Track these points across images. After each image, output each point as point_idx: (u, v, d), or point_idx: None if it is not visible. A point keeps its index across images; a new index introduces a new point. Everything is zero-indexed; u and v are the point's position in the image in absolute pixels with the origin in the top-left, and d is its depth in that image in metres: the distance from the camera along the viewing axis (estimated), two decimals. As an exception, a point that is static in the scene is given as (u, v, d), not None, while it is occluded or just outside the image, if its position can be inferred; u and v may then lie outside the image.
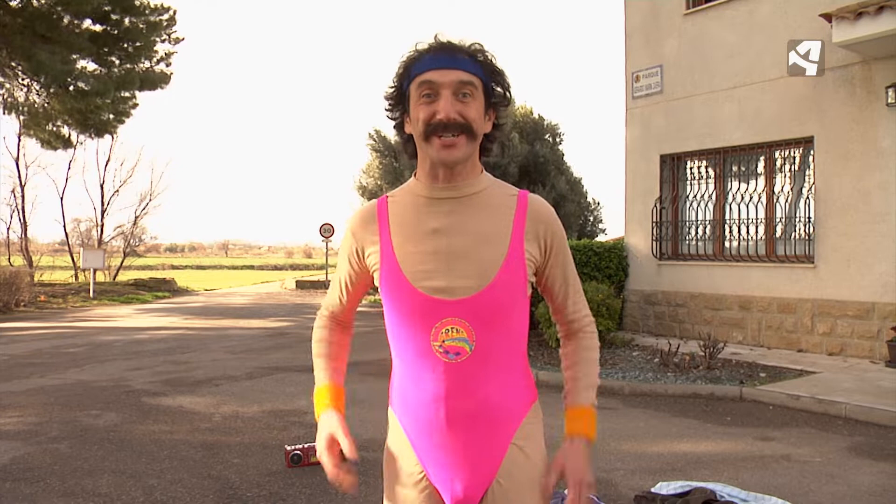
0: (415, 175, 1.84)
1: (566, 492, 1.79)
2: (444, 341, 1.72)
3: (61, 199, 32.02)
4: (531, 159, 18.03)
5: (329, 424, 1.86)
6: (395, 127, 1.84)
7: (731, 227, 11.14)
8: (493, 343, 1.74)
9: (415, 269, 1.73)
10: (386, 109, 1.84)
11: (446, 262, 1.72)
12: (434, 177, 1.77)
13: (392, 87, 1.79)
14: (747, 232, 10.90)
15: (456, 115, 1.67)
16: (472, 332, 1.71)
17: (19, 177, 29.77)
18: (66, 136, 21.62)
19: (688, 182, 11.82)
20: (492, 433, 1.77)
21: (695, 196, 11.65)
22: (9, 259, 28.39)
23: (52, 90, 18.84)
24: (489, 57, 1.76)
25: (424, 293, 1.72)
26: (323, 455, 1.83)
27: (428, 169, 1.77)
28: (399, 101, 1.79)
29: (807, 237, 10.12)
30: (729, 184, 11.23)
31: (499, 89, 1.79)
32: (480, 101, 1.73)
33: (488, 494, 1.79)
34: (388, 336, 1.86)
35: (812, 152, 10.06)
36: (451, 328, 1.71)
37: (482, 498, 1.79)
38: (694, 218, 11.65)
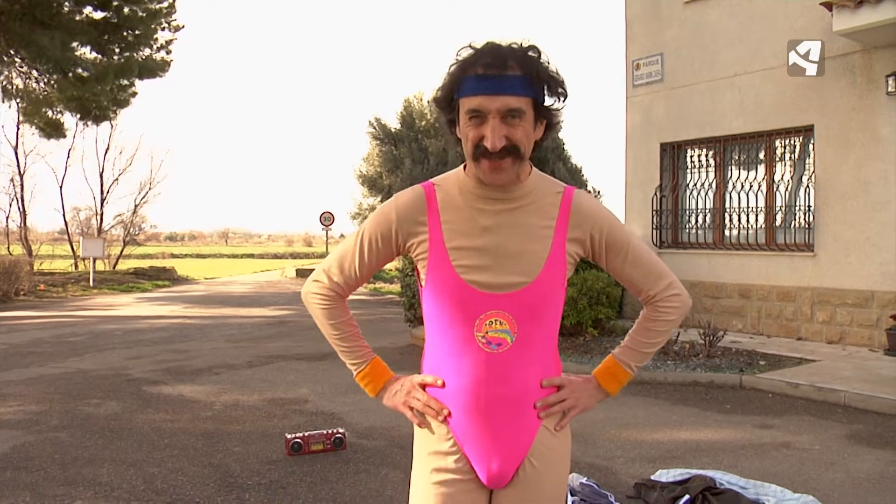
0: (464, 167, 1.87)
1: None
2: (487, 332, 1.80)
3: (60, 187, 32.01)
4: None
5: (409, 381, 1.98)
6: (446, 123, 1.85)
7: (731, 216, 11.13)
8: (532, 334, 1.83)
9: (463, 264, 1.81)
10: (437, 109, 1.87)
11: (494, 258, 1.80)
12: (483, 183, 1.81)
13: (442, 94, 1.80)
14: (747, 220, 10.90)
15: (503, 142, 1.70)
16: (514, 325, 1.80)
17: (18, 165, 29.72)
18: (61, 123, 21.57)
19: (688, 170, 11.80)
20: (526, 416, 1.87)
21: (695, 184, 11.64)
22: (8, 248, 28.36)
23: (51, 77, 18.80)
24: (542, 71, 1.74)
25: (472, 286, 1.80)
26: (428, 400, 1.91)
27: (478, 176, 1.81)
28: (449, 105, 1.80)
29: (807, 226, 10.12)
30: (729, 172, 11.22)
31: (551, 101, 1.79)
32: (530, 119, 1.74)
33: (520, 472, 1.88)
34: (426, 322, 1.93)
35: (812, 141, 10.04)
36: (495, 320, 1.80)
37: (514, 474, 1.89)
38: (694, 206, 11.64)
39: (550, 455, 1.90)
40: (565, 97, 1.80)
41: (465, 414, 1.86)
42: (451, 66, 1.76)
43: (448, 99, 1.78)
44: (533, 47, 1.74)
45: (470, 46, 1.74)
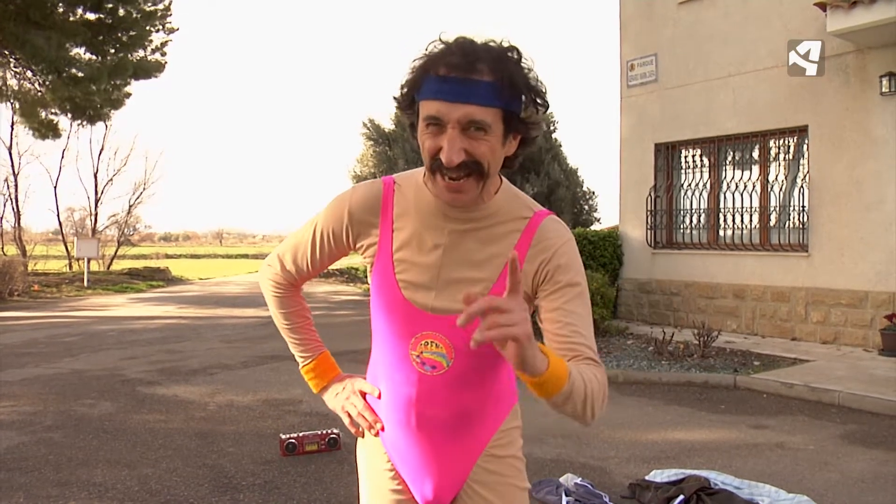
0: (425, 175, 1.66)
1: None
2: (421, 353, 1.67)
3: (55, 188, 31.84)
4: (526, 148, 17.99)
5: (353, 383, 1.90)
6: (409, 127, 1.65)
7: (725, 216, 11.15)
8: (472, 364, 1.67)
9: (406, 279, 1.66)
10: (397, 107, 1.65)
11: (437, 279, 1.65)
12: (441, 198, 1.62)
13: (402, 93, 1.59)
14: (741, 220, 10.91)
15: (462, 157, 1.48)
16: (451, 350, 1.65)
17: (12, 166, 29.62)
18: (55, 124, 21.53)
19: (682, 171, 11.82)
20: (465, 440, 1.75)
21: (689, 185, 11.65)
22: (2, 248, 28.27)
23: (45, 78, 18.75)
24: (516, 77, 1.49)
25: (410, 302, 1.66)
26: (363, 410, 1.84)
27: (436, 190, 1.61)
28: (410, 107, 1.59)
29: (801, 226, 10.14)
30: (723, 172, 11.23)
31: (525, 113, 1.53)
32: (497, 133, 1.50)
33: (460, 496, 1.78)
34: (371, 327, 1.82)
35: (806, 141, 10.07)
36: (430, 342, 1.66)
37: (453, 500, 1.78)
38: (688, 207, 11.65)
39: (496, 482, 1.76)
40: (546, 108, 1.57)
41: (396, 431, 1.76)
42: (415, 60, 1.54)
43: (409, 99, 1.57)
44: (512, 48, 1.51)
45: (440, 40, 1.52)
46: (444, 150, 1.48)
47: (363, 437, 1.87)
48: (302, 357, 1.98)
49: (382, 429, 1.79)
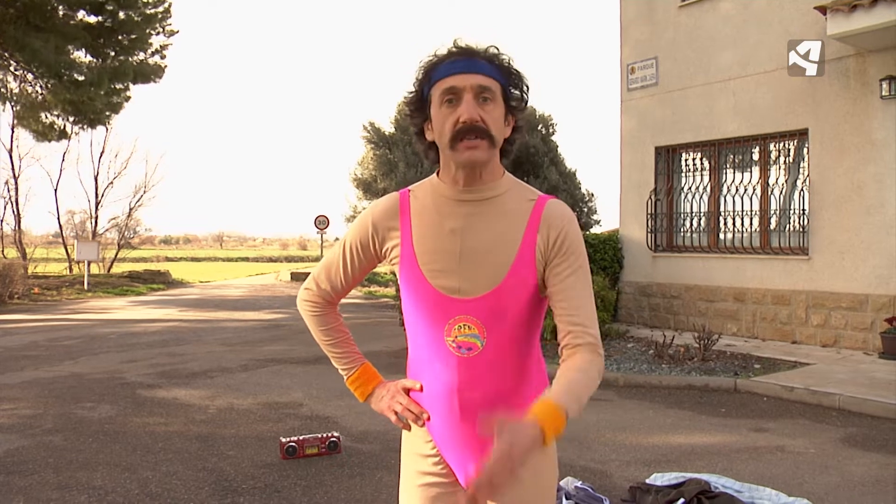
0: (437, 174, 1.88)
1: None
2: (456, 337, 1.80)
3: (55, 190, 31.82)
4: (523, 151, 17.99)
5: (394, 385, 2.00)
6: (415, 134, 1.87)
7: (725, 219, 11.15)
8: (504, 340, 1.81)
9: (430, 267, 1.81)
10: (407, 115, 1.88)
11: (459, 262, 1.79)
12: (455, 181, 1.81)
13: (412, 93, 1.83)
14: (742, 224, 10.92)
15: (478, 118, 1.70)
16: (483, 329, 1.79)
17: (13, 168, 29.64)
18: (61, 127, 21.53)
19: (683, 174, 11.82)
20: None
21: (690, 188, 11.65)
22: (2, 251, 28.30)
23: (46, 82, 18.75)
24: (506, 61, 1.78)
25: (439, 290, 1.80)
26: (409, 405, 1.94)
27: (451, 174, 1.81)
28: (420, 106, 1.82)
29: (801, 229, 10.14)
30: (724, 176, 11.24)
31: (517, 92, 1.81)
32: (500, 106, 1.76)
33: None
34: (406, 326, 1.95)
35: (806, 144, 10.07)
36: (464, 325, 1.79)
37: None
38: (689, 210, 11.66)
39: (531, 464, 1.76)
40: (526, 103, 1.84)
41: (441, 418, 1.88)
42: (420, 67, 1.80)
43: (419, 98, 1.81)
44: (497, 50, 1.79)
45: (435, 55, 1.78)
46: (463, 111, 1.70)
47: (409, 429, 1.97)
48: (345, 370, 2.07)
49: (429, 419, 1.91)
